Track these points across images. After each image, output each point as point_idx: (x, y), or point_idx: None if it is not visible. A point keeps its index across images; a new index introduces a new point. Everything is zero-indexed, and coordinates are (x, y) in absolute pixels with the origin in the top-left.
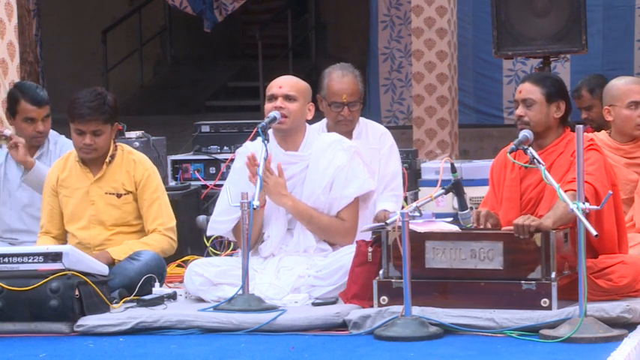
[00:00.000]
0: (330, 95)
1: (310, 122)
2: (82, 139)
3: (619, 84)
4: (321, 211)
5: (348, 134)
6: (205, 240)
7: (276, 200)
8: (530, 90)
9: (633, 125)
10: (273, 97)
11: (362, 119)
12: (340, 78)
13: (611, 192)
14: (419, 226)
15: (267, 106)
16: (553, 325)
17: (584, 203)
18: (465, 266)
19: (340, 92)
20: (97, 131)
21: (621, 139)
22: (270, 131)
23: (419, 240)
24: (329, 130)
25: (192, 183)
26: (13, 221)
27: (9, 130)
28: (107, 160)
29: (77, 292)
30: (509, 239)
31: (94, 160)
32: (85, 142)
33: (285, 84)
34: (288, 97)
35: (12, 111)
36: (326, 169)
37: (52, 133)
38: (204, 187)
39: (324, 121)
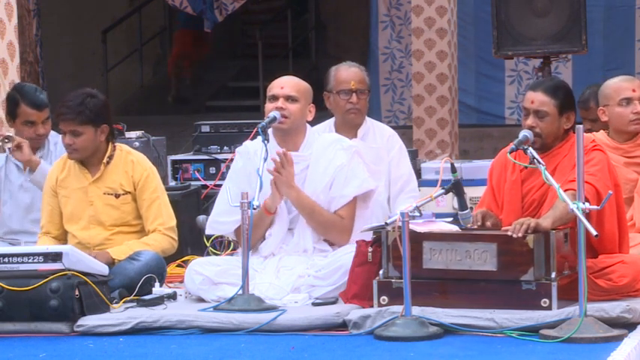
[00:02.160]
0: (338, 84)
1: (312, 124)
2: (63, 139)
3: (610, 83)
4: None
5: (355, 129)
6: (205, 240)
7: (284, 191)
8: (543, 101)
9: (627, 122)
10: (274, 98)
11: (369, 119)
12: (348, 68)
13: (611, 192)
14: (419, 226)
15: (268, 106)
16: (553, 325)
17: (584, 203)
18: (461, 267)
19: (348, 79)
20: (75, 132)
21: (619, 138)
22: (270, 131)
23: (417, 240)
24: (337, 128)
25: (192, 183)
26: (14, 222)
27: (10, 133)
28: (105, 160)
29: (77, 292)
30: (503, 241)
31: (91, 161)
32: (65, 142)
33: (287, 84)
34: (289, 98)
35: (12, 114)
36: (326, 169)
37: (52, 133)
38: (204, 187)
39: (332, 120)
